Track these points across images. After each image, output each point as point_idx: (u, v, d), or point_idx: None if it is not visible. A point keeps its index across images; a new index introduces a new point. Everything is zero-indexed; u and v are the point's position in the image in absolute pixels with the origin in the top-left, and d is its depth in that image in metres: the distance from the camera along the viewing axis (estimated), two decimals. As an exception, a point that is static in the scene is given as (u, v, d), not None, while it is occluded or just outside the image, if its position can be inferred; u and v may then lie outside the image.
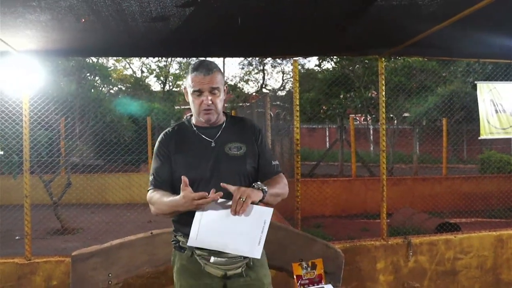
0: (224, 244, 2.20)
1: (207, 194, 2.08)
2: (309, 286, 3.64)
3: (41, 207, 7.12)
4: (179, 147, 2.38)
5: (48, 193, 7.91)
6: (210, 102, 2.30)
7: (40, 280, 3.99)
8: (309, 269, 3.68)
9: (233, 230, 2.17)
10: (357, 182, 10.80)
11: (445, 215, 8.85)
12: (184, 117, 2.52)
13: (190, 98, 2.37)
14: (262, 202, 2.25)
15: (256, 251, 2.21)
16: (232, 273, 2.30)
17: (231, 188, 2.14)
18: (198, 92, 2.31)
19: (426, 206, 9.36)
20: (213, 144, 2.36)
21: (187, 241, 2.28)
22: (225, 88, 2.42)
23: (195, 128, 2.42)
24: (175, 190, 2.30)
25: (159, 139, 2.44)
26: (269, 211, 2.20)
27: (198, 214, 2.15)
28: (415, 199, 9.83)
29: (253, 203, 2.16)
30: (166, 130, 2.48)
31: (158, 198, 2.28)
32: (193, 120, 2.45)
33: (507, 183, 10.24)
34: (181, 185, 2.12)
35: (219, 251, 2.25)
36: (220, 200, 2.15)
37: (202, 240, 2.17)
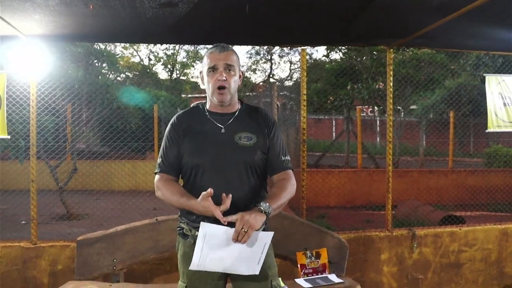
0: (224, 267, 2.20)
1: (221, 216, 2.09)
2: (312, 275, 3.65)
3: (47, 192, 7.14)
4: (189, 131, 2.34)
5: (54, 179, 7.94)
6: (224, 78, 2.25)
7: (46, 264, 4.02)
8: (313, 258, 3.69)
9: (233, 255, 2.15)
10: (362, 174, 10.79)
11: (450, 208, 8.84)
12: (203, 102, 2.48)
13: (205, 79, 2.33)
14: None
15: (255, 269, 2.19)
16: None
17: (233, 218, 2.09)
18: (213, 69, 2.27)
19: (431, 199, 9.36)
20: (223, 131, 2.31)
21: (190, 229, 2.31)
22: (240, 73, 2.39)
23: (207, 113, 2.38)
24: (180, 173, 2.34)
25: (171, 121, 2.42)
26: (270, 235, 2.17)
27: (200, 241, 2.12)
28: (421, 191, 9.81)
29: (257, 229, 2.11)
30: (179, 112, 2.46)
31: (170, 194, 2.28)
32: (207, 105, 2.41)
33: (513, 177, 10.22)
34: (204, 194, 2.10)
35: None
36: (223, 227, 2.11)
37: (203, 265, 2.17)
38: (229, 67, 2.27)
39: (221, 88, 2.26)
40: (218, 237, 2.12)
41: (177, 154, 2.35)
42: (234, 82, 2.31)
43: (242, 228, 2.05)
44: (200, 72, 2.39)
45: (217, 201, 2.12)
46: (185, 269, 2.34)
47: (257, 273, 2.19)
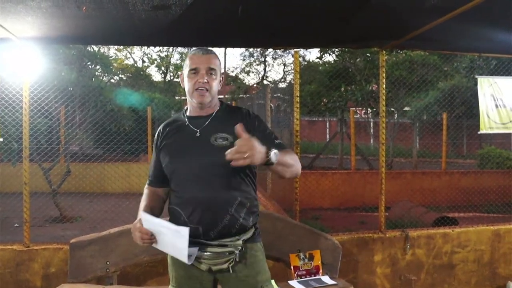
0: (170, 252, 2.24)
1: (148, 237, 2.13)
2: (306, 277, 3.65)
3: (40, 194, 7.11)
4: (167, 138, 2.36)
5: (47, 181, 7.92)
6: (205, 81, 2.24)
7: (39, 267, 4.00)
8: (306, 260, 3.70)
9: (169, 243, 2.16)
10: (356, 175, 10.81)
11: (444, 209, 8.87)
12: (185, 108, 2.46)
13: (185, 81, 2.30)
14: (270, 167, 2.10)
15: (186, 260, 2.12)
16: (217, 268, 2.23)
17: (241, 133, 1.95)
18: (194, 71, 2.25)
19: (425, 200, 9.38)
20: (198, 134, 2.28)
21: None
22: (221, 77, 2.37)
23: (186, 119, 2.36)
24: (165, 182, 2.38)
25: (157, 132, 2.44)
26: (185, 230, 2.05)
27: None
28: (414, 193, 9.84)
29: (253, 163, 1.99)
30: (164, 122, 2.47)
31: (141, 202, 2.39)
32: (188, 110, 2.40)
33: (505, 178, 10.26)
34: (139, 221, 2.18)
35: (205, 245, 2.21)
36: (157, 219, 2.16)
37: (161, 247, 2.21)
38: (210, 71, 2.26)
39: (201, 89, 2.25)
40: (155, 226, 2.15)
41: (157, 164, 2.40)
42: (216, 85, 2.29)
43: (244, 150, 1.92)
44: (181, 74, 2.38)
45: (196, 204, 2.18)
46: (174, 273, 2.36)
47: (187, 262, 2.14)
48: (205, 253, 2.22)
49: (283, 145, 2.30)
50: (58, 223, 8.12)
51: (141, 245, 2.19)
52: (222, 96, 25.11)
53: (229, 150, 1.93)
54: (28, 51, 4.01)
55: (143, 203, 2.36)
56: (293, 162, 2.22)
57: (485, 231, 4.91)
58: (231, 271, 2.23)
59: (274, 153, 2.04)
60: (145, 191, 2.46)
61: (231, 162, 1.93)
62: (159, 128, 2.44)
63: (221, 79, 2.38)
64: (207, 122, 2.31)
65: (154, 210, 2.34)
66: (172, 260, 2.36)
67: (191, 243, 2.08)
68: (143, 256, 3.64)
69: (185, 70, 2.31)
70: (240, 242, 2.23)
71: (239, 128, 1.96)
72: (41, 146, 8.05)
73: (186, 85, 2.30)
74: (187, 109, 2.42)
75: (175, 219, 2.25)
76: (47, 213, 8.10)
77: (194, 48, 2.35)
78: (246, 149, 1.92)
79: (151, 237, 2.14)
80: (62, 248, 4.01)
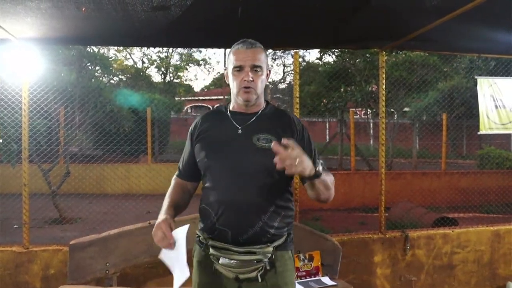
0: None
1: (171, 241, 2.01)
2: (306, 278, 3.65)
3: (39, 196, 7.12)
4: (206, 131, 2.23)
5: (47, 182, 7.91)
6: (250, 79, 2.11)
7: (38, 269, 3.99)
8: (306, 261, 3.69)
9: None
10: (356, 176, 10.81)
11: (443, 210, 8.87)
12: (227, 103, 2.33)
13: (230, 78, 2.18)
14: (313, 182, 2.00)
15: (186, 271, 2.02)
16: (245, 277, 2.10)
17: (288, 142, 1.81)
18: (239, 68, 2.13)
19: (425, 201, 9.38)
20: (239, 131, 2.15)
21: (204, 236, 2.18)
22: (268, 71, 2.24)
23: (228, 113, 2.24)
24: (196, 175, 2.28)
25: (194, 122, 2.31)
26: (185, 228, 2.02)
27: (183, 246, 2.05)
28: (414, 193, 9.83)
29: (300, 174, 1.89)
30: (204, 113, 2.36)
31: (169, 189, 2.28)
32: (231, 105, 2.28)
33: (505, 179, 10.27)
34: (164, 221, 2.06)
35: (230, 252, 2.08)
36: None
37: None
38: (255, 68, 2.14)
39: (247, 87, 2.12)
40: (177, 244, 2.04)
41: (190, 157, 2.27)
42: (261, 82, 2.17)
43: (294, 157, 1.80)
44: (225, 69, 2.26)
45: (228, 205, 2.06)
46: (197, 278, 2.22)
47: (188, 274, 2.01)
48: (232, 261, 2.08)
49: (324, 167, 2.14)
50: (57, 224, 8.12)
51: (155, 242, 2.06)
52: (222, 97, 25.14)
53: (278, 157, 1.80)
54: (27, 52, 4.01)
55: (168, 199, 2.23)
56: (331, 185, 2.11)
57: (485, 231, 4.91)
58: (259, 279, 2.10)
59: (322, 166, 2.00)
60: (173, 182, 2.34)
61: (285, 170, 1.82)
62: (196, 119, 2.32)
63: (268, 72, 2.24)
64: (251, 120, 2.19)
65: (179, 207, 2.25)
66: (197, 265, 2.23)
67: (220, 249, 2.06)
68: (143, 257, 3.64)
69: (229, 67, 2.19)
70: (270, 249, 2.11)
71: (288, 142, 1.82)
72: (41, 147, 8.04)
73: (231, 82, 2.19)
74: (228, 104, 2.32)
75: (205, 220, 2.15)
76: (47, 214, 8.10)
77: (238, 42, 2.22)
78: (296, 156, 1.81)
79: (171, 244, 2.02)
80: (61, 249, 4.00)
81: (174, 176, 2.36)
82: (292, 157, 1.79)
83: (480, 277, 4.87)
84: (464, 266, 4.81)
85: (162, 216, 2.11)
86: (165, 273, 3.99)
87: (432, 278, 4.72)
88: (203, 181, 2.22)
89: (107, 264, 3.56)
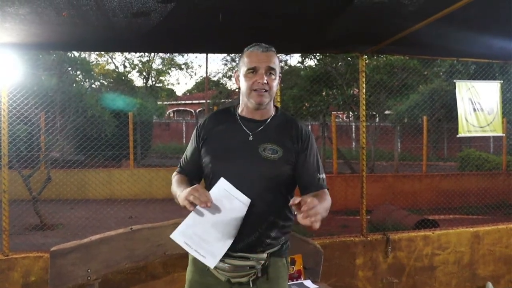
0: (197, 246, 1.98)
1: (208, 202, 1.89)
2: (288, 282, 3.66)
3: (19, 202, 7.04)
4: (214, 132, 2.19)
5: (27, 188, 7.82)
6: (265, 81, 2.07)
7: (18, 276, 3.95)
8: (288, 264, 3.70)
9: (214, 229, 1.97)
10: (338, 179, 10.85)
11: (425, 212, 8.96)
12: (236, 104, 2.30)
13: (241, 80, 2.14)
14: None
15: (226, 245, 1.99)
16: (236, 281, 2.11)
17: (308, 199, 1.80)
18: (253, 70, 2.09)
19: (406, 203, 9.47)
20: (250, 138, 2.12)
21: None
22: (279, 76, 2.19)
23: (238, 117, 2.19)
24: (198, 175, 2.24)
25: (202, 120, 2.28)
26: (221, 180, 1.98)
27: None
28: (395, 196, 9.92)
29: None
30: (211, 113, 2.32)
31: (174, 182, 2.21)
32: (239, 108, 2.22)
33: (485, 180, 10.42)
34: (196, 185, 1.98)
35: (225, 255, 2.03)
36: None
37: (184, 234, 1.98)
38: (270, 70, 2.10)
39: (260, 90, 2.08)
40: (225, 202, 1.96)
41: (194, 157, 2.24)
42: (275, 86, 2.12)
43: (317, 213, 1.79)
44: (236, 71, 2.22)
45: None
46: (189, 277, 2.23)
47: (211, 265, 1.98)
48: (226, 265, 2.09)
49: (324, 183, 2.22)
50: (38, 231, 8.02)
51: (186, 202, 1.91)
52: (203, 101, 25.09)
53: (301, 216, 1.77)
54: (6, 57, 3.97)
55: (182, 186, 2.10)
56: (328, 206, 2.09)
57: (465, 233, 4.97)
58: (251, 285, 2.11)
59: (324, 182, 2.14)
60: (176, 177, 2.26)
61: (286, 182, 2.07)
62: (204, 118, 2.28)
63: (279, 78, 2.20)
64: (260, 128, 2.15)
65: None
66: (192, 263, 2.23)
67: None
68: (125, 263, 3.62)
69: (242, 69, 2.14)
70: (264, 255, 2.12)
71: (309, 201, 1.80)
72: (21, 153, 7.96)
73: (243, 84, 2.13)
74: (237, 105, 2.26)
75: None
76: (27, 220, 8.01)
77: (251, 45, 2.19)
78: (315, 213, 1.79)
79: (207, 203, 1.89)
80: (42, 256, 3.96)
81: (175, 173, 2.32)
82: (318, 212, 1.80)
83: (461, 277, 4.93)
84: (444, 267, 4.87)
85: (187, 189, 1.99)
86: (147, 278, 4.00)
87: (413, 279, 4.77)
88: (206, 182, 2.21)
89: (89, 271, 3.53)
